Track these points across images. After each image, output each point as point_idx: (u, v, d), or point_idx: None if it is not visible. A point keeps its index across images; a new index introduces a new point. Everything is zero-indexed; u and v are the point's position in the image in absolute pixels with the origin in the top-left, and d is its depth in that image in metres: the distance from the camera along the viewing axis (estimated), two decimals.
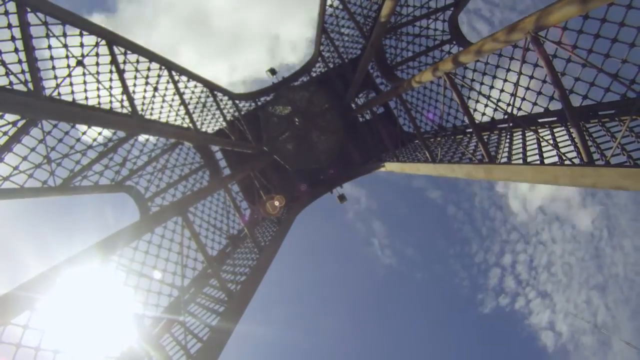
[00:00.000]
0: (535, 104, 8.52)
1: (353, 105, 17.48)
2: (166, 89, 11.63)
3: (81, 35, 8.66)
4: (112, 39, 9.26)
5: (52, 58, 8.27)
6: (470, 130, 11.10)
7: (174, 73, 11.73)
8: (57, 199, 8.90)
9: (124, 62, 9.77)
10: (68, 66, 8.62)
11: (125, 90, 9.40)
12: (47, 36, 8.07)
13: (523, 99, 8.50)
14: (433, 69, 9.20)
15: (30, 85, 7.57)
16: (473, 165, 8.63)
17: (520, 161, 7.94)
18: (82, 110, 8.77)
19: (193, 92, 13.31)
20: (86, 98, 9.23)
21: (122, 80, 9.37)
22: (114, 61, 9.30)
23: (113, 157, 9.86)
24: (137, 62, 10.30)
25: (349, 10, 12.83)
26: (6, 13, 7.22)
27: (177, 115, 12.22)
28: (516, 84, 8.01)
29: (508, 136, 9.14)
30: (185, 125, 12.48)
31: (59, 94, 8.56)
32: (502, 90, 8.98)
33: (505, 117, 8.84)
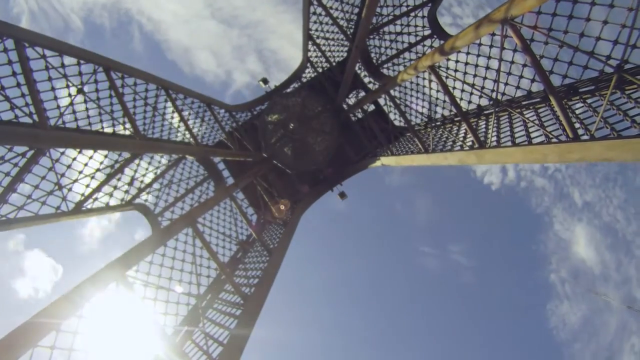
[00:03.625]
0: (518, 87, 8.68)
1: (345, 106, 17.83)
2: (165, 107, 11.95)
3: (79, 64, 8.89)
4: (109, 66, 9.55)
5: (53, 89, 8.46)
6: (459, 118, 11.40)
7: (171, 92, 12.06)
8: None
9: (122, 86, 10.05)
10: (69, 95, 8.83)
11: (126, 112, 9.71)
12: (47, 68, 8.26)
13: (506, 84, 8.73)
14: (417, 64, 9.51)
15: (35, 117, 7.78)
16: (464, 152, 8.92)
17: (509, 143, 8.12)
18: (86, 136, 9.05)
19: (191, 108, 13.64)
20: (89, 124, 9.47)
21: (122, 103, 9.69)
22: (112, 86, 9.58)
23: (121, 177, 10.18)
24: (135, 84, 10.58)
25: (332, 15, 13.17)
26: (5, 50, 7.44)
27: (177, 131, 12.56)
28: (498, 70, 8.27)
29: (495, 121, 9.42)
30: (186, 140, 12.81)
31: (64, 122, 8.75)
32: (485, 78, 9.28)
33: (491, 102, 9.14)
